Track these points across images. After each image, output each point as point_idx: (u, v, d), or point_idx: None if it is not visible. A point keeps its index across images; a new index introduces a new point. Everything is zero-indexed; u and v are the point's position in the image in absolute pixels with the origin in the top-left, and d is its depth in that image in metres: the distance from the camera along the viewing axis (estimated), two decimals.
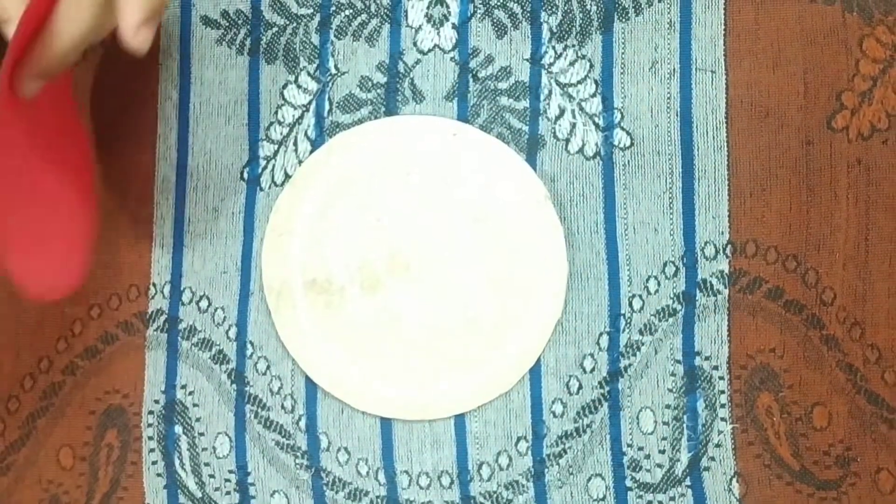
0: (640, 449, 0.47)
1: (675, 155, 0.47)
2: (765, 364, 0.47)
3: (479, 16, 0.48)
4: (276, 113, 0.49)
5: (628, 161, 0.47)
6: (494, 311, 0.47)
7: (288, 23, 0.49)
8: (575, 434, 0.47)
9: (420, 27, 0.48)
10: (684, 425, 0.47)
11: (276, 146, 0.49)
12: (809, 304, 0.47)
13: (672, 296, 0.47)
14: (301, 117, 0.49)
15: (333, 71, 0.49)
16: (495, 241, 0.47)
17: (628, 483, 0.47)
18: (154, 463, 0.49)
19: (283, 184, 0.49)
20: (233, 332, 0.49)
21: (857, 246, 0.47)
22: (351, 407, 0.48)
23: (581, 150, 0.48)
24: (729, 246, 0.47)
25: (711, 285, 0.47)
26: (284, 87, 0.49)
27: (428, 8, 0.48)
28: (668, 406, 0.47)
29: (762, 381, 0.47)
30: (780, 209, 0.47)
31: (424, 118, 0.48)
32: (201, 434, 0.49)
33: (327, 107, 0.49)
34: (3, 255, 0.41)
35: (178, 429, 0.49)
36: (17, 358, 0.51)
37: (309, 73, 0.49)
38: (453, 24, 0.48)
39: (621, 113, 0.47)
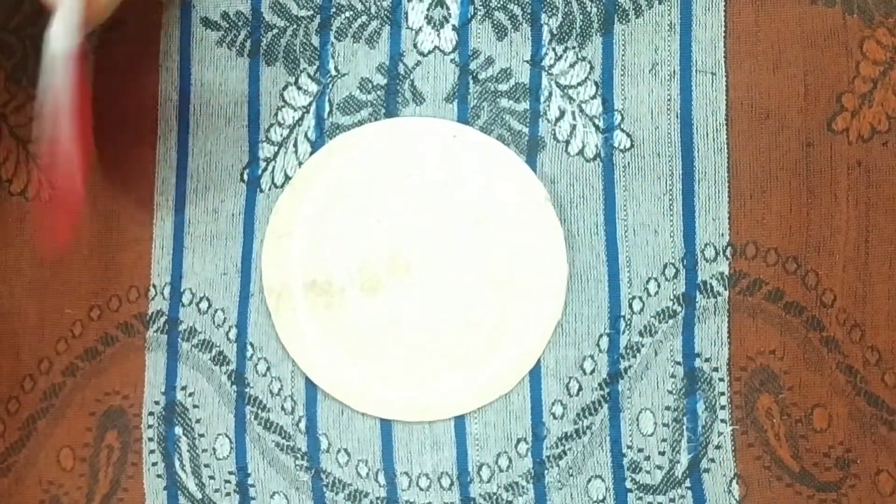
0: (640, 450, 0.47)
1: (675, 157, 0.47)
2: (765, 366, 0.47)
3: (479, 17, 0.48)
4: (276, 115, 0.49)
5: (628, 163, 0.47)
6: (494, 312, 0.47)
7: (288, 24, 0.49)
8: (575, 435, 0.47)
9: (420, 29, 0.48)
10: (684, 427, 0.47)
11: (277, 148, 0.49)
12: (809, 305, 0.47)
13: (672, 297, 0.47)
14: (301, 119, 0.49)
15: (333, 73, 0.49)
16: (495, 242, 0.47)
17: (628, 484, 0.47)
18: (154, 464, 0.49)
19: (283, 185, 0.49)
20: (233, 334, 0.49)
21: (858, 248, 0.47)
22: (351, 408, 0.48)
23: (581, 152, 0.48)
24: (729, 248, 0.47)
25: (711, 287, 0.47)
26: (284, 88, 0.49)
27: (428, 10, 0.48)
28: (668, 408, 0.47)
29: (762, 382, 0.47)
30: (781, 211, 0.47)
31: (424, 120, 0.48)
32: (201, 435, 0.49)
33: (327, 108, 0.49)
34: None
35: (178, 430, 0.49)
36: (17, 359, 0.51)
37: (309, 75, 0.49)
38: (453, 25, 0.48)
39: (621, 115, 0.47)
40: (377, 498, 0.48)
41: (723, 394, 0.47)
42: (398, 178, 0.48)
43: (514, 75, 0.48)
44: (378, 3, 0.49)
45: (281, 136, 0.49)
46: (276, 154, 0.49)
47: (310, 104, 0.49)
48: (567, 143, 0.48)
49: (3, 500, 0.50)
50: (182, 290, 0.49)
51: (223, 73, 0.50)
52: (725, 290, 0.47)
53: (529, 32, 0.48)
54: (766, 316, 0.47)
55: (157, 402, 0.49)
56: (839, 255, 0.47)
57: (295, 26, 0.49)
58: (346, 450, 0.48)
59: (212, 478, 0.49)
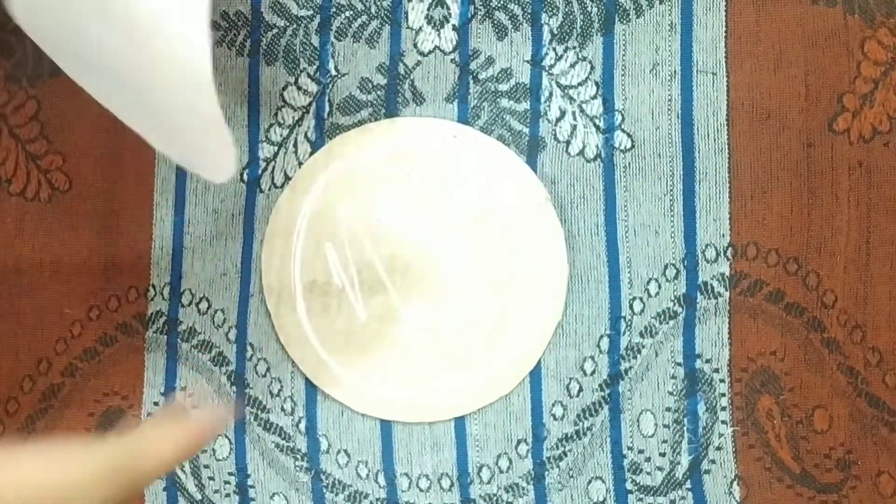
0: (641, 452, 0.47)
1: (675, 157, 0.47)
2: (765, 367, 0.47)
3: (479, 17, 0.48)
4: (276, 114, 0.49)
5: (629, 163, 0.47)
6: (494, 312, 0.47)
7: (288, 24, 0.49)
8: (575, 437, 0.47)
9: (420, 29, 0.48)
10: (685, 428, 0.47)
11: (276, 148, 0.49)
12: (810, 306, 0.47)
13: (673, 298, 0.47)
14: (301, 119, 0.49)
15: (333, 72, 0.49)
16: (495, 242, 0.47)
17: (628, 486, 0.47)
18: None
19: (282, 185, 0.49)
20: (232, 334, 0.49)
21: (859, 248, 0.47)
22: (351, 409, 0.48)
23: (582, 152, 0.48)
24: (730, 248, 0.47)
25: (712, 288, 0.47)
26: (284, 88, 0.49)
27: (428, 9, 0.48)
28: (668, 409, 0.47)
29: (763, 383, 0.47)
30: (781, 212, 0.47)
31: (425, 120, 0.48)
32: None
33: (327, 108, 0.49)
34: None
35: None
36: (16, 359, 0.51)
37: (309, 75, 0.49)
38: (454, 25, 0.48)
39: (622, 115, 0.47)
40: (377, 499, 0.48)
41: (723, 395, 0.47)
42: (398, 178, 0.48)
43: (514, 75, 0.48)
44: (378, 3, 0.49)
45: (281, 136, 0.49)
46: (275, 154, 0.49)
47: (310, 104, 0.49)
48: (568, 143, 0.48)
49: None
50: (181, 290, 0.49)
51: (223, 72, 0.50)
52: (726, 290, 0.47)
53: (530, 32, 0.48)
54: (767, 317, 0.47)
55: (156, 403, 0.49)
56: (840, 256, 0.47)
57: (295, 26, 0.49)
58: (345, 451, 0.48)
59: (211, 479, 0.49)
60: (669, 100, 0.47)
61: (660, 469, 0.46)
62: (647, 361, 0.47)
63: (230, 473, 0.48)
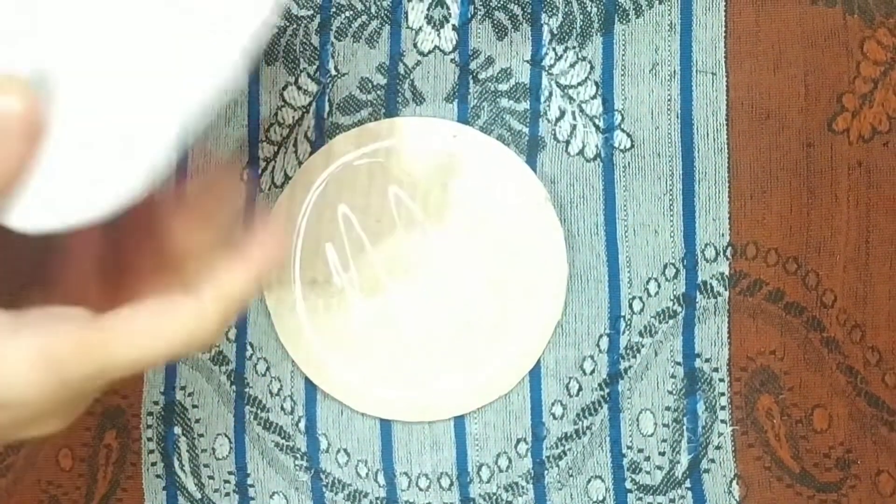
0: (640, 451, 0.47)
1: (675, 157, 0.47)
2: (765, 366, 0.47)
3: (479, 17, 0.48)
4: (276, 114, 0.49)
5: (629, 163, 0.47)
6: (494, 312, 0.47)
7: (288, 24, 0.49)
8: (575, 436, 0.47)
9: (420, 29, 0.48)
10: (684, 427, 0.47)
11: (276, 147, 0.49)
12: (810, 306, 0.47)
13: (672, 298, 0.47)
14: (301, 119, 0.49)
15: (333, 72, 0.49)
16: (495, 242, 0.47)
17: (628, 485, 0.47)
18: (153, 464, 0.49)
19: (282, 185, 0.49)
20: (232, 334, 0.49)
21: (858, 248, 0.47)
22: (350, 408, 0.48)
23: (581, 152, 0.48)
24: (729, 248, 0.47)
25: (712, 287, 0.47)
26: (284, 88, 0.49)
27: (428, 9, 0.48)
28: (668, 408, 0.47)
29: (762, 383, 0.47)
30: (781, 211, 0.47)
31: (424, 120, 0.48)
32: (201, 435, 0.49)
33: (327, 108, 0.49)
34: None
35: (177, 430, 0.49)
36: None
37: (309, 75, 0.49)
38: (453, 25, 0.48)
39: (622, 115, 0.47)
40: (377, 498, 0.48)
41: (723, 394, 0.47)
42: (398, 177, 0.48)
43: (514, 75, 0.48)
44: (378, 3, 0.49)
45: (281, 135, 0.49)
46: (275, 154, 0.49)
47: (310, 104, 0.49)
48: (567, 143, 0.48)
49: (2, 501, 0.50)
50: None
51: None
52: (726, 290, 0.47)
53: (530, 32, 0.48)
54: (767, 316, 0.47)
55: (156, 402, 0.49)
56: (840, 256, 0.47)
57: (295, 26, 0.49)
58: (345, 450, 0.48)
59: (211, 478, 0.49)
60: (669, 100, 0.47)
61: (659, 468, 0.47)
62: (647, 361, 0.47)
63: (230, 472, 0.48)
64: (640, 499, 0.47)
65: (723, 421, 0.47)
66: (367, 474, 0.48)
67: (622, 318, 0.47)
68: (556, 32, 0.48)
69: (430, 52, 0.48)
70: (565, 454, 0.47)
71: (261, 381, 0.48)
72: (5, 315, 0.29)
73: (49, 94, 0.29)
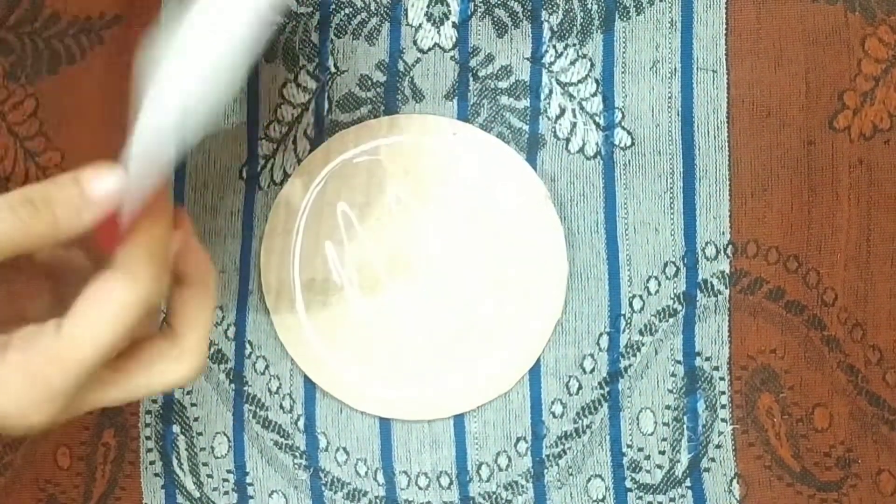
0: (640, 450, 0.47)
1: (676, 155, 0.47)
2: (765, 365, 0.47)
3: (479, 14, 0.48)
4: (276, 112, 0.49)
5: (629, 161, 0.47)
6: (494, 310, 0.47)
7: (287, 21, 0.49)
8: (574, 435, 0.47)
9: (420, 26, 0.48)
10: (684, 426, 0.47)
11: (276, 145, 0.49)
12: (810, 304, 0.46)
13: (673, 296, 0.47)
14: (300, 116, 0.49)
15: (333, 69, 0.49)
16: (495, 240, 0.47)
17: (628, 484, 0.47)
18: (152, 463, 0.49)
19: (282, 183, 0.49)
20: (231, 332, 0.49)
21: (859, 246, 0.47)
22: (350, 407, 0.48)
23: (582, 150, 0.47)
24: (730, 246, 0.47)
25: (712, 286, 0.47)
26: (284, 85, 0.49)
27: (428, 7, 0.48)
28: (668, 407, 0.47)
29: (763, 381, 0.46)
30: (782, 209, 0.47)
31: (424, 117, 0.48)
32: (199, 434, 0.49)
33: (327, 105, 0.49)
34: None
35: (175, 428, 0.49)
36: None
37: (308, 72, 0.49)
38: (453, 22, 0.48)
39: (622, 112, 0.47)
40: (376, 497, 0.47)
41: (723, 393, 0.47)
42: (397, 175, 0.48)
43: (514, 73, 0.48)
44: (378, 0, 0.48)
45: (280, 133, 0.49)
46: (275, 151, 0.49)
47: (309, 101, 0.49)
48: (567, 140, 0.48)
49: (0, 499, 0.50)
50: None
51: None
52: (726, 288, 0.47)
53: (530, 29, 0.48)
54: (767, 315, 0.47)
55: (154, 401, 0.49)
56: (840, 254, 0.47)
57: (294, 23, 0.49)
58: (344, 448, 0.48)
59: (210, 476, 0.48)
60: (670, 97, 0.47)
61: (659, 467, 0.46)
62: (647, 359, 0.47)
63: (228, 471, 0.48)
64: (640, 498, 0.46)
65: (723, 420, 0.46)
66: (366, 473, 0.48)
67: (622, 317, 0.47)
68: (556, 30, 0.48)
69: (429, 49, 0.48)
70: (565, 453, 0.47)
71: (260, 380, 0.48)
72: None
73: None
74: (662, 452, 0.46)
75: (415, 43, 0.48)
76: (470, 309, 0.47)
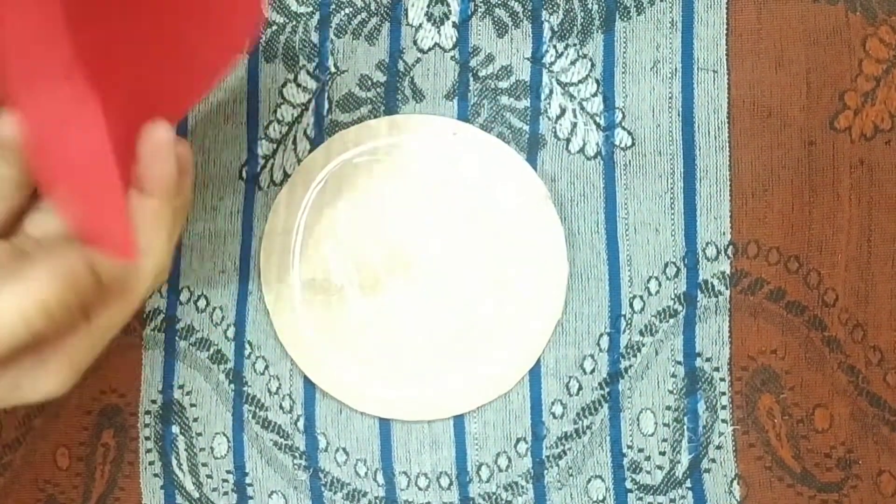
0: (641, 450, 0.47)
1: (676, 155, 0.47)
2: (766, 365, 0.46)
3: (479, 14, 0.48)
4: (276, 112, 0.49)
5: (629, 161, 0.47)
6: (494, 311, 0.47)
7: (287, 21, 0.49)
8: (575, 435, 0.47)
9: (420, 25, 0.48)
10: (685, 427, 0.46)
11: (275, 145, 0.49)
12: (811, 305, 0.46)
13: (673, 297, 0.47)
14: (300, 116, 0.49)
15: (333, 69, 0.49)
16: (495, 241, 0.47)
17: (628, 485, 0.47)
18: (151, 463, 0.49)
19: (281, 183, 0.49)
20: (231, 332, 0.49)
21: (860, 247, 0.46)
22: (349, 407, 0.48)
23: (582, 150, 0.47)
24: (730, 247, 0.47)
25: (713, 286, 0.47)
26: (284, 85, 0.49)
27: (428, 6, 0.48)
28: (668, 407, 0.47)
29: (763, 382, 0.46)
30: (783, 210, 0.47)
31: (424, 117, 0.48)
32: (199, 434, 0.49)
33: (327, 105, 0.49)
34: None
35: (175, 429, 0.49)
36: None
37: (308, 72, 0.49)
38: (454, 22, 0.48)
39: (622, 112, 0.47)
40: (376, 497, 0.47)
41: (724, 394, 0.46)
42: (397, 175, 0.48)
43: (514, 73, 0.48)
44: (378, 0, 0.48)
45: (280, 133, 0.49)
46: (274, 151, 0.49)
47: (309, 101, 0.49)
48: (568, 140, 0.47)
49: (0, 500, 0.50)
50: (180, 287, 0.49)
51: None
52: (727, 289, 0.47)
53: (530, 29, 0.48)
54: (768, 315, 0.46)
55: (154, 401, 0.49)
56: (841, 255, 0.46)
57: (294, 23, 0.49)
58: (344, 449, 0.48)
59: (209, 477, 0.48)
60: (670, 97, 0.47)
61: (660, 468, 0.46)
62: (647, 360, 0.47)
63: (228, 471, 0.48)
64: (640, 498, 0.46)
65: (723, 420, 0.46)
66: (366, 473, 0.48)
67: (623, 317, 0.47)
68: (556, 30, 0.48)
69: (430, 49, 0.48)
70: (565, 454, 0.47)
71: (259, 380, 0.48)
72: None
73: None
74: (663, 453, 0.46)
75: (415, 43, 0.48)
76: (470, 309, 0.47)
